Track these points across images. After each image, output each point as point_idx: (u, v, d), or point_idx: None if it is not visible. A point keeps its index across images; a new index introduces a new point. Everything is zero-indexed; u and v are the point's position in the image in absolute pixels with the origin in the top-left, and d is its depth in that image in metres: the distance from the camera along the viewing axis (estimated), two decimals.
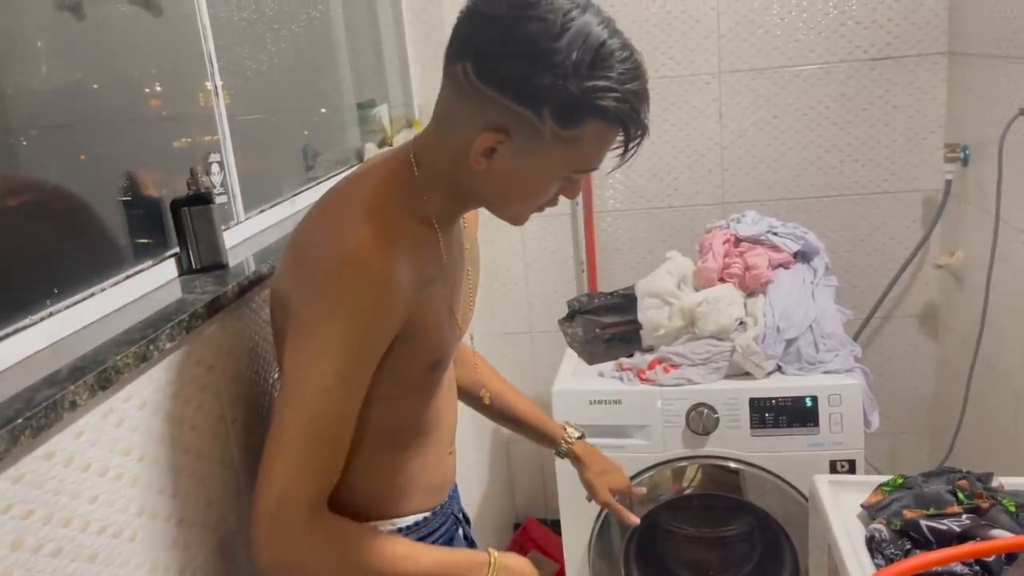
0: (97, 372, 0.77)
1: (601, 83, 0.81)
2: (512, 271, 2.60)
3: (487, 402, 1.34)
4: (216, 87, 1.24)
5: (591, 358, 2.07)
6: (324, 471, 0.86)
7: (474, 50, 0.84)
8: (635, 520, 1.43)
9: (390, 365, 0.90)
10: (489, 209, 0.97)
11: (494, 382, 1.39)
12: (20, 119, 0.97)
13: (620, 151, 0.89)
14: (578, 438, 1.42)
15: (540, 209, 0.96)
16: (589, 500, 1.44)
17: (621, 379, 1.93)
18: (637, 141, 0.88)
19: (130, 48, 1.17)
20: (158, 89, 1.22)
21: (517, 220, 0.97)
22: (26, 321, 0.83)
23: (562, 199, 0.96)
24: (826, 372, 1.84)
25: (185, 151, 1.27)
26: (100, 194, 1.06)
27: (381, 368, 0.89)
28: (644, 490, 1.66)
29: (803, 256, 2.02)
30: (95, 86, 1.10)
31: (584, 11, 0.83)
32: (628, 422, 1.89)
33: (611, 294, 2.19)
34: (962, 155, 2.14)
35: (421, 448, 1.04)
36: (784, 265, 1.97)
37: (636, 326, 2.00)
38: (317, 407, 0.85)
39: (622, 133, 0.87)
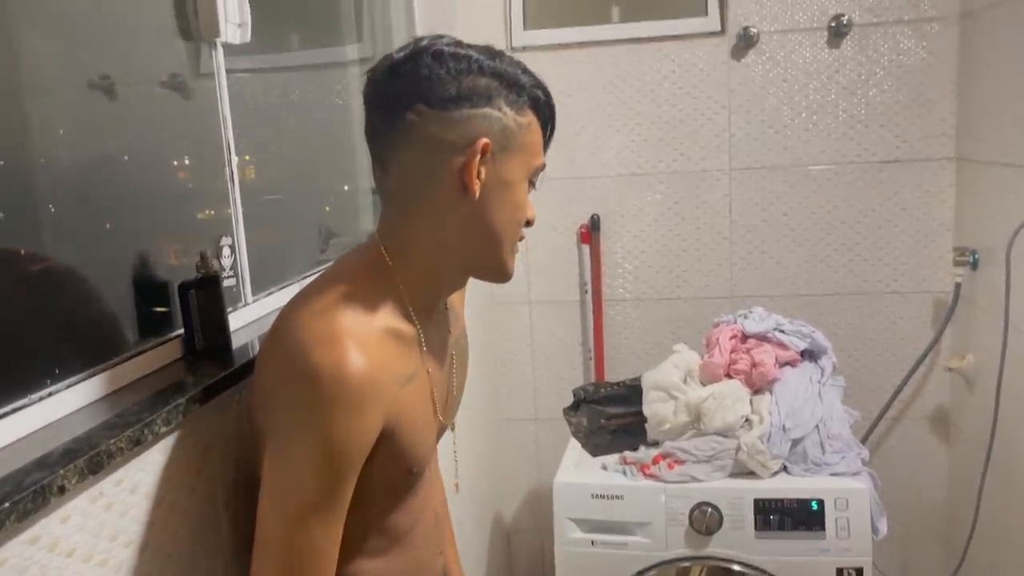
0: (89, 456, 0.77)
1: (520, 72, 0.93)
2: (519, 356, 2.60)
3: None
4: (232, 172, 1.27)
5: (595, 449, 2.04)
6: None
7: (417, 89, 0.89)
8: None
9: (364, 475, 0.88)
10: (477, 268, 0.97)
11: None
12: (39, 193, 0.99)
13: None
14: None
15: (517, 248, 0.98)
16: None
17: (624, 473, 1.91)
18: (554, 124, 0.97)
19: (157, 126, 1.21)
20: (186, 163, 1.26)
21: (510, 264, 0.97)
22: (24, 401, 0.84)
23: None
24: (833, 475, 1.81)
25: (207, 223, 1.30)
26: (111, 272, 1.07)
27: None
28: None
29: (810, 354, 2.01)
30: (124, 158, 1.13)
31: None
32: (630, 518, 1.85)
33: (617, 384, 2.18)
34: (971, 259, 2.15)
35: (402, 553, 1.00)
36: (791, 363, 1.96)
37: (641, 419, 1.98)
38: (299, 527, 0.83)
39: (544, 123, 0.96)
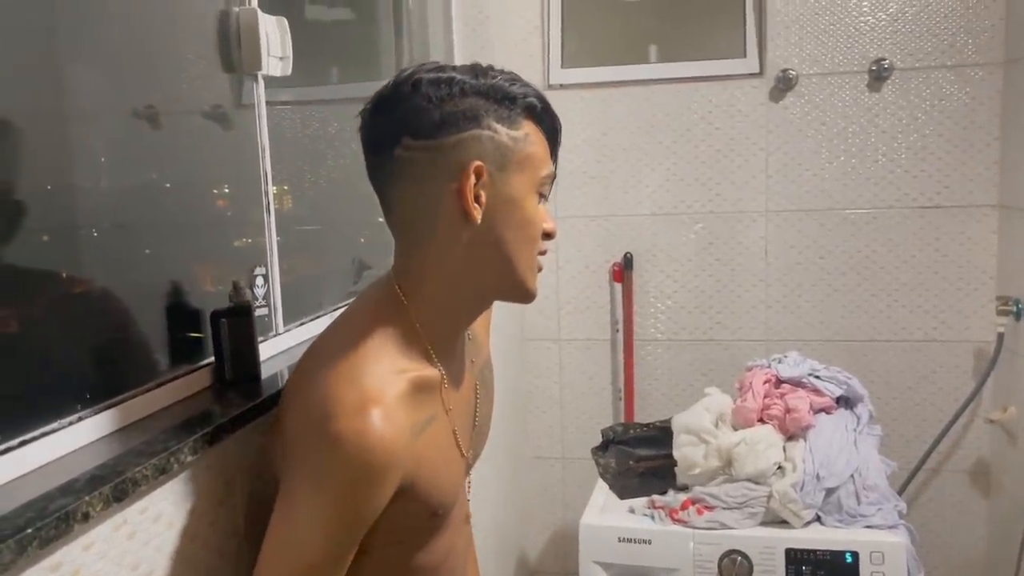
0: (114, 483, 0.77)
1: (508, 83, 0.90)
2: (548, 393, 2.57)
3: None
4: (268, 203, 1.28)
5: (623, 492, 2.00)
6: None
7: (402, 124, 0.88)
8: None
9: (385, 518, 0.86)
10: (498, 292, 0.95)
11: None
12: (81, 217, 1.01)
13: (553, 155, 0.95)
14: None
15: (540, 266, 0.95)
16: None
17: (652, 517, 1.87)
18: (559, 133, 0.94)
19: (197, 156, 1.23)
20: (224, 191, 1.27)
21: (530, 282, 0.94)
22: (55, 425, 0.84)
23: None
24: (868, 527, 1.75)
25: (241, 251, 1.31)
26: (146, 298, 1.08)
27: (376, 521, 0.85)
28: None
29: (846, 402, 1.96)
30: (165, 185, 1.15)
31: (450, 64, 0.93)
32: (657, 564, 1.81)
33: (647, 426, 2.15)
34: (1015, 309, 2.10)
35: None
36: (826, 410, 1.92)
37: (671, 462, 1.94)
38: None
39: (546, 130, 0.93)
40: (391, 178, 0.91)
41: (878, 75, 2.24)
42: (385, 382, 0.85)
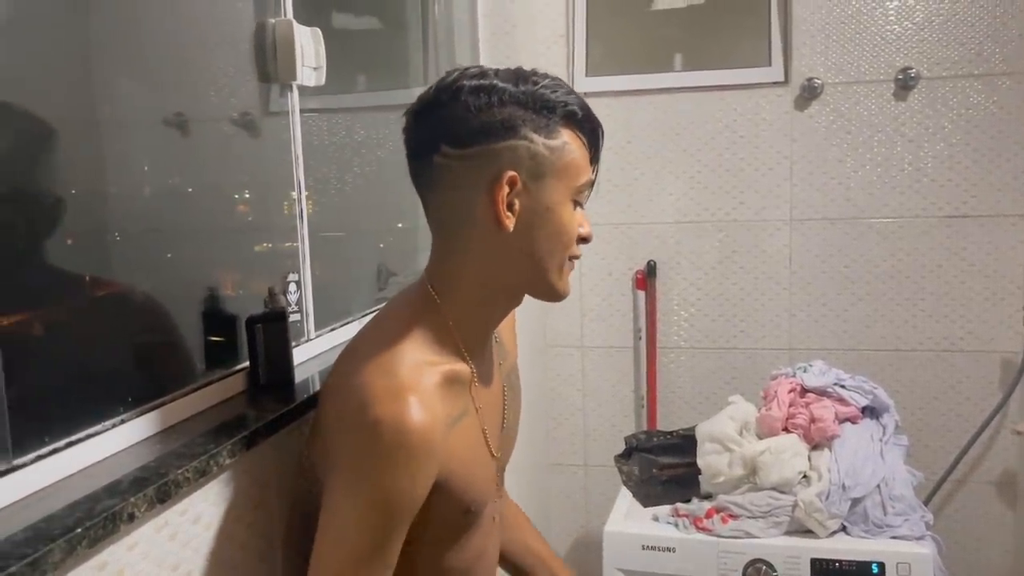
0: (158, 485, 0.78)
1: (549, 91, 0.90)
2: (570, 400, 2.58)
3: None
4: (302, 210, 1.30)
5: (646, 500, 2.00)
6: None
7: (440, 131, 0.90)
8: None
9: (421, 514, 0.88)
10: (530, 289, 0.96)
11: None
12: (111, 222, 1.03)
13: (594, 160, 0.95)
14: None
15: (571, 266, 0.96)
16: None
17: (676, 525, 1.87)
18: (600, 138, 0.95)
19: (226, 163, 1.25)
20: (253, 198, 1.30)
21: (560, 284, 0.95)
22: (98, 427, 0.86)
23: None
24: (894, 537, 1.74)
25: (272, 257, 1.33)
26: (182, 304, 1.10)
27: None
28: None
29: (872, 412, 1.95)
30: (183, 190, 1.17)
31: (493, 68, 0.93)
32: (681, 572, 1.81)
33: (670, 433, 2.15)
34: None
35: None
36: (851, 420, 1.91)
37: (694, 470, 1.94)
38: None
39: (587, 135, 0.93)
40: (430, 183, 0.93)
41: (904, 84, 2.23)
42: (419, 372, 0.87)
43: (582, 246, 0.97)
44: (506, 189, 0.88)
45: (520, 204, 0.90)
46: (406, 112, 0.94)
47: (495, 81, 0.89)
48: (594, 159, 0.95)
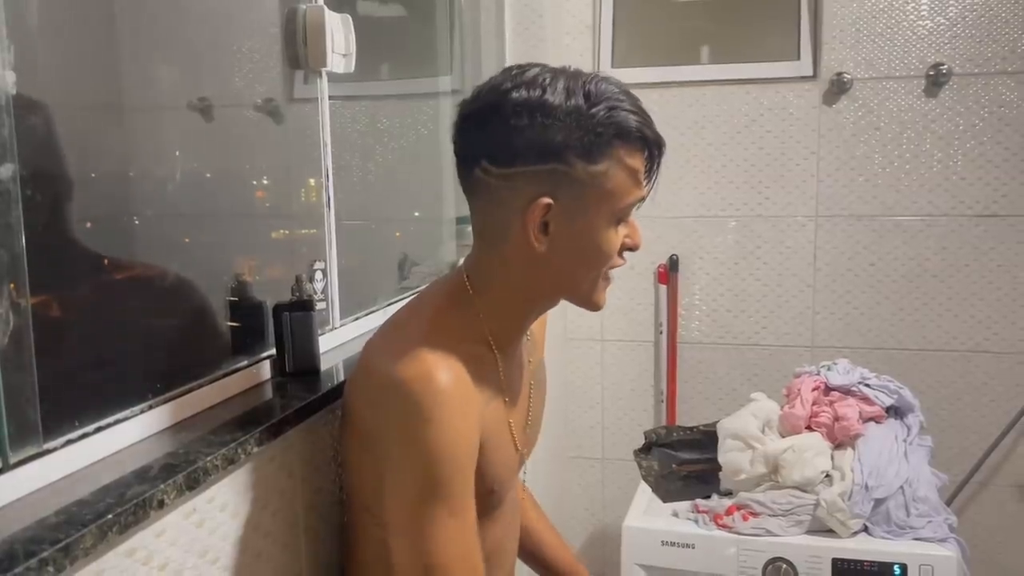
0: (187, 472, 0.78)
1: (603, 110, 0.85)
2: (589, 394, 2.57)
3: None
4: (329, 199, 1.29)
5: (666, 495, 1.99)
6: None
7: (482, 146, 0.88)
8: None
9: None
10: (566, 297, 0.96)
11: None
12: (144, 208, 1.03)
13: (648, 178, 0.92)
14: None
15: (608, 278, 0.95)
16: None
17: (696, 522, 1.85)
18: (659, 153, 0.91)
19: (249, 149, 1.24)
20: (276, 185, 1.29)
21: (595, 297, 0.95)
22: (127, 413, 0.86)
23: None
24: (917, 539, 1.72)
25: (290, 242, 1.33)
26: (209, 291, 1.10)
27: None
28: None
29: (896, 411, 1.93)
30: (207, 176, 1.17)
31: (549, 69, 0.88)
32: (701, 569, 1.79)
33: (691, 429, 2.13)
34: None
35: None
36: (876, 419, 1.89)
37: (715, 466, 1.93)
38: (436, 545, 0.84)
39: (644, 151, 0.89)
40: (471, 191, 0.93)
41: (935, 80, 2.20)
42: (444, 344, 0.88)
43: (627, 253, 0.95)
44: (541, 213, 0.87)
45: (554, 227, 0.89)
46: (460, 103, 0.92)
47: (545, 96, 0.85)
48: (649, 175, 0.92)
